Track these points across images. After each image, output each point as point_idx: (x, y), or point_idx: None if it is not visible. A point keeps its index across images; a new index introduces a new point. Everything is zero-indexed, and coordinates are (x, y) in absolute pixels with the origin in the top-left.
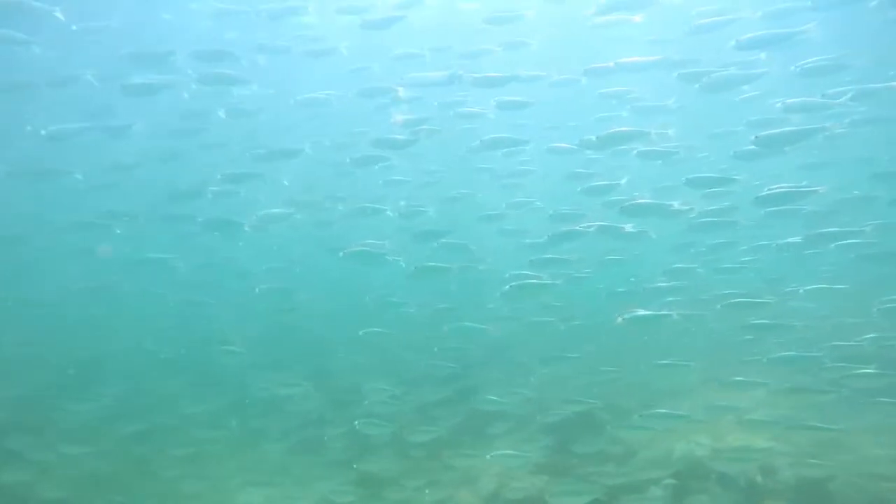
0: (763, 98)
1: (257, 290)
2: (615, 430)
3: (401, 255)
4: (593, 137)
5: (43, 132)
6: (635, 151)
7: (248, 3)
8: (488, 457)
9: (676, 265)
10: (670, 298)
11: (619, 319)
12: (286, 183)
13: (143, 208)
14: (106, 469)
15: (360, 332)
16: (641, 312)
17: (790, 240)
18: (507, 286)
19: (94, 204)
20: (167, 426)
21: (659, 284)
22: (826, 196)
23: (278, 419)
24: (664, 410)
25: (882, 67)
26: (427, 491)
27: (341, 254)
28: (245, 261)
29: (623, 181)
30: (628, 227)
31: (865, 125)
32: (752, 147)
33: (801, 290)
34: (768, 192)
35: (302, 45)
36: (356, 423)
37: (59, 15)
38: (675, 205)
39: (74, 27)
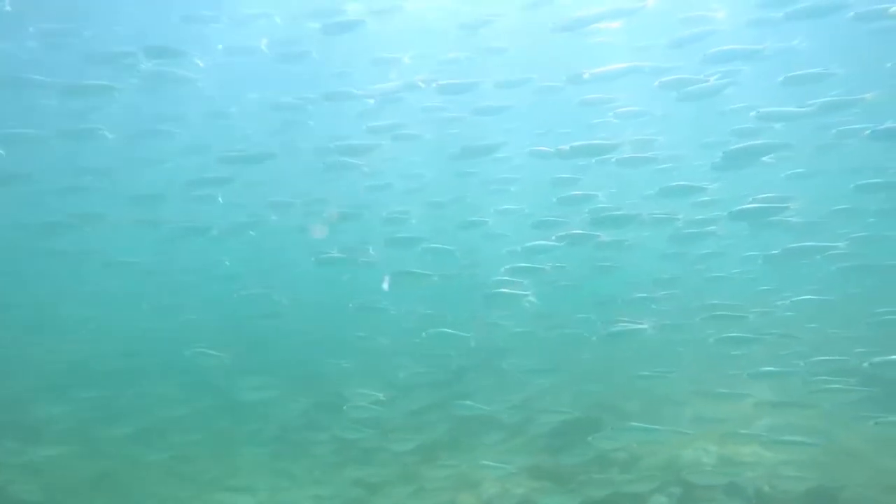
0: (754, 108)
1: (237, 294)
2: (595, 441)
3: (381, 261)
4: (566, 147)
5: None
6: (615, 159)
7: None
8: (466, 466)
9: (665, 275)
10: (659, 307)
11: (594, 339)
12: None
13: (118, 211)
14: (86, 471)
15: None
16: (616, 329)
17: (772, 252)
18: (483, 295)
19: (70, 207)
20: (148, 429)
21: (641, 294)
22: (817, 207)
23: (263, 423)
24: (636, 424)
25: (867, 78)
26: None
27: (313, 259)
28: (233, 265)
29: (600, 193)
30: (603, 237)
31: (852, 136)
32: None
33: (788, 301)
34: (740, 208)
35: (277, 48)
36: (339, 428)
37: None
38: (645, 215)
39: (31, 28)
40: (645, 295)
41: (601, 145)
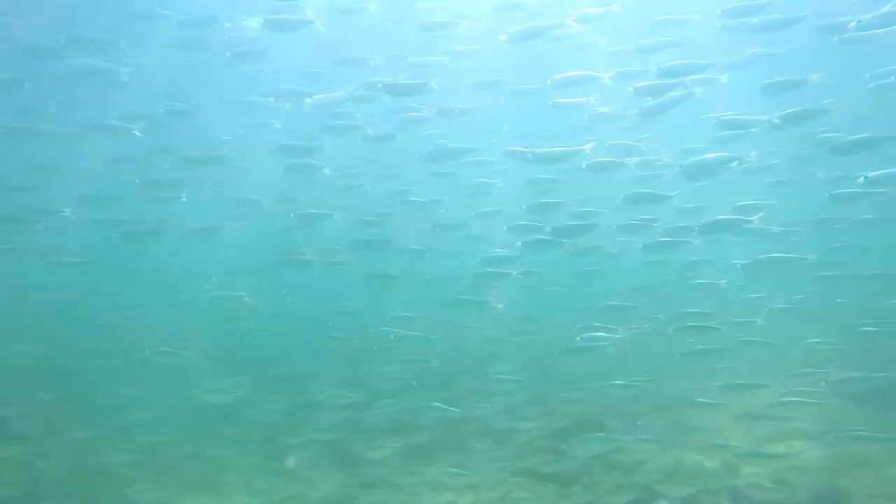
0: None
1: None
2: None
3: (350, 262)
4: (529, 154)
5: None
6: (584, 165)
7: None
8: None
9: (647, 282)
10: (640, 314)
11: (579, 339)
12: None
13: (77, 209)
14: (55, 471)
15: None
16: (598, 334)
17: (745, 261)
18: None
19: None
20: (118, 430)
21: (616, 302)
22: (799, 216)
23: (241, 426)
24: (602, 434)
25: (848, 86)
26: None
27: (280, 261)
28: (205, 266)
29: (570, 200)
30: (566, 244)
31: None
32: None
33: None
34: (709, 221)
35: (235, 46)
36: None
37: None
38: (605, 224)
39: None
40: (617, 303)
41: (565, 152)
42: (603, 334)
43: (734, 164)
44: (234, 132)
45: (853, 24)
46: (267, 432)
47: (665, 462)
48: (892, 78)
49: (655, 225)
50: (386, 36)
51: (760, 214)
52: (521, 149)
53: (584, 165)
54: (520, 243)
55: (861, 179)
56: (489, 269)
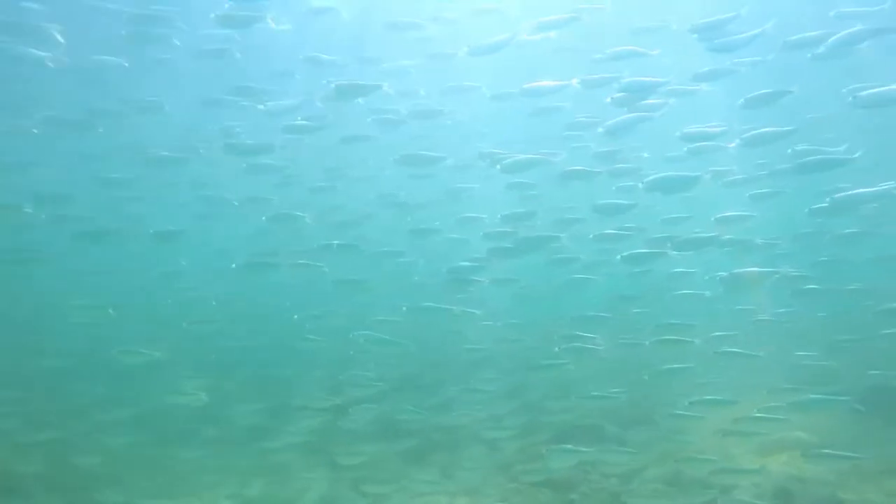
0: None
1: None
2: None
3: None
4: (502, 161)
5: None
6: (561, 172)
7: None
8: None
9: (629, 292)
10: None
11: (557, 349)
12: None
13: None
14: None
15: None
16: (576, 344)
17: (721, 274)
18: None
19: None
20: (82, 433)
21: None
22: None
23: (221, 430)
24: (569, 446)
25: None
26: None
27: (233, 265)
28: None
29: (539, 210)
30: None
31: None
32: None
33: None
34: (684, 238)
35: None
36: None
37: None
38: (563, 237)
39: None
40: (595, 314)
41: (531, 160)
42: (580, 344)
43: (707, 177)
44: (210, 132)
45: (821, 49)
46: (252, 435)
47: (652, 474)
48: (851, 98)
49: (633, 234)
50: (371, 39)
51: (723, 230)
52: (497, 151)
53: (561, 172)
54: (490, 247)
55: (827, 200)
56: (473, 277)
